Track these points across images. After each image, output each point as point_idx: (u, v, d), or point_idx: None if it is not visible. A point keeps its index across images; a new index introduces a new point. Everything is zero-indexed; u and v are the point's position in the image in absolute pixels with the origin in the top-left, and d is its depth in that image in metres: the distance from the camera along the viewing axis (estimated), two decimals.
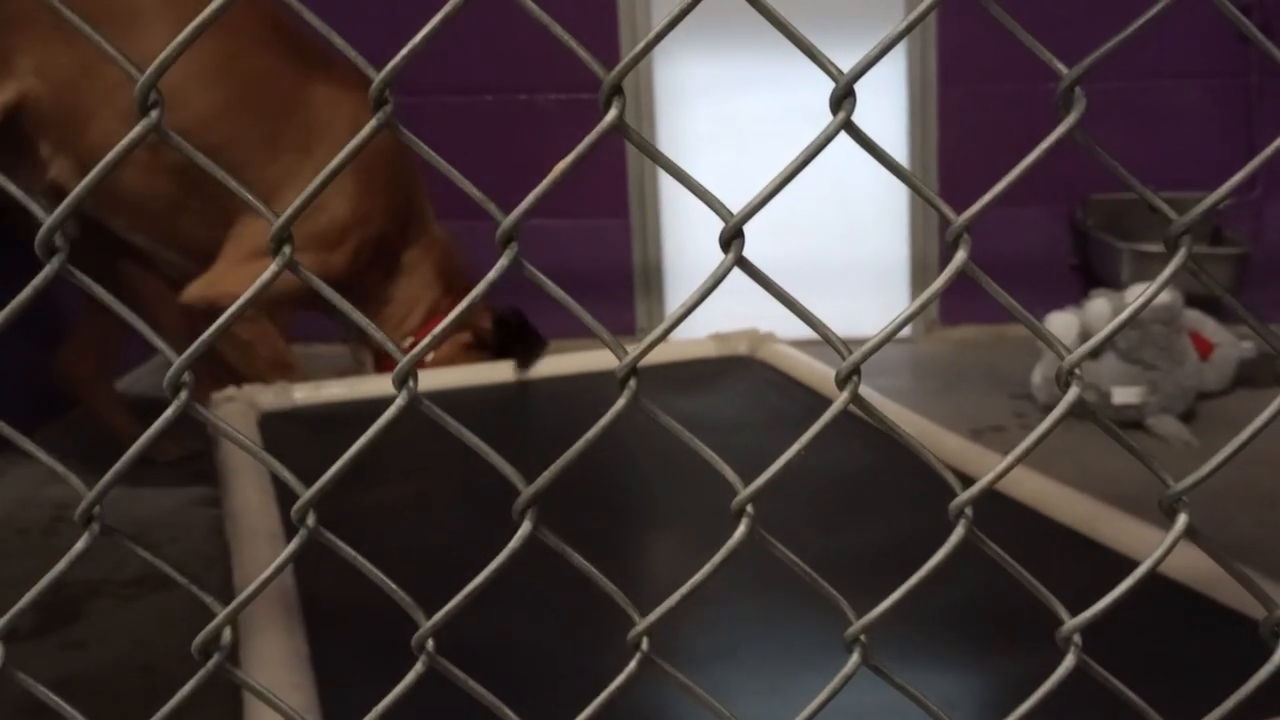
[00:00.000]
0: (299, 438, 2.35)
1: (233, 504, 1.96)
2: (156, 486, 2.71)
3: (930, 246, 3.79)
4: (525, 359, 2.73)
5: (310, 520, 0.66)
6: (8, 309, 0.64)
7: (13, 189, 0.64)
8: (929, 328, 3.83)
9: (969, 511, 0.66)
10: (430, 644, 0.68)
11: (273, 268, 0.62)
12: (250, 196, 0.64)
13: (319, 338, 3.70)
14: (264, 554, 1.74)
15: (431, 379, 2.57)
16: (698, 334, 2.87)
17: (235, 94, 2.54)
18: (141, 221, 2.60)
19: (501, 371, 2.72)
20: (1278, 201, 3.66)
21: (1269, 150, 0.64)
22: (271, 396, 2.52)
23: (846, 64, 0.61)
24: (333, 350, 3.53)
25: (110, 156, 0.61)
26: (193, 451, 2.82)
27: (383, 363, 2.83)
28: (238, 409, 2.44)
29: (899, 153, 3.68)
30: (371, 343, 2.84)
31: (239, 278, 2.49)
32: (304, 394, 2.56)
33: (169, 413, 0.63)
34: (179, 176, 2.50)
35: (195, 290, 2.54)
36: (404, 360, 0.63)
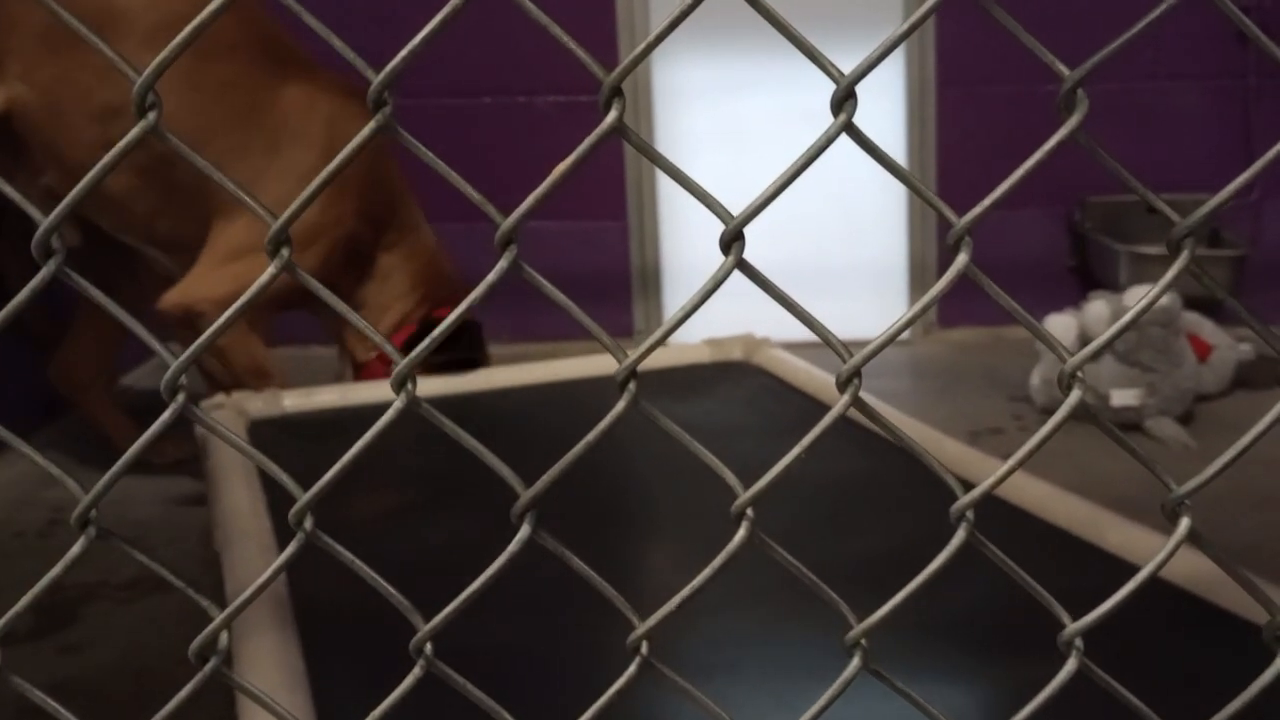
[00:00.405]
0: (289, 445, 2.34)
1: (222, 510, 1.95)
2: (153, 489, 2.71)
3: (929, 249, 3.79)
4: (461, 366, 2.71)
5: (308, 523, 0.65)
6: (5, 310, 0.63)
7: (11, 192, 0.64)
8: (927, 330, 3.83)
9: (970, 515, 0.65)
10: (429, 647, 0.67)
11: (271, 269, 0.62)
12: (248, 199, 0.64)
13: (317, 340, 3.69)
14: (255, 560, 1.73)
15: (430, 385, 2.57)
16: (693, 336, 2.86)
17: (203, 98, 2.55)
18: (125, 221, 2.62)
19: (499, 377, 2.71)
20: (1275, 204, 3.66)
21: (1271, 153, 0.63)
22: (261, 403, 2.51)
23: (846, 66, 0.61)
24: (330, 352, 3.52)
25: (108, 158, 0.61)
26: (190, 454, 2.81)
27: (361, 372, 2.81)
28: (226, 416, 2.44)
29: (897, 155, 3.68)
30: (349, 353, 2.83)
31: (212, 283, 2.50)
32: (294, 401, 2.55)
33: (166, 415, 0.63)
34: (153, 179, 2.52)
35: (171, 297, 2.54)
36: (403, 363, 0.63)
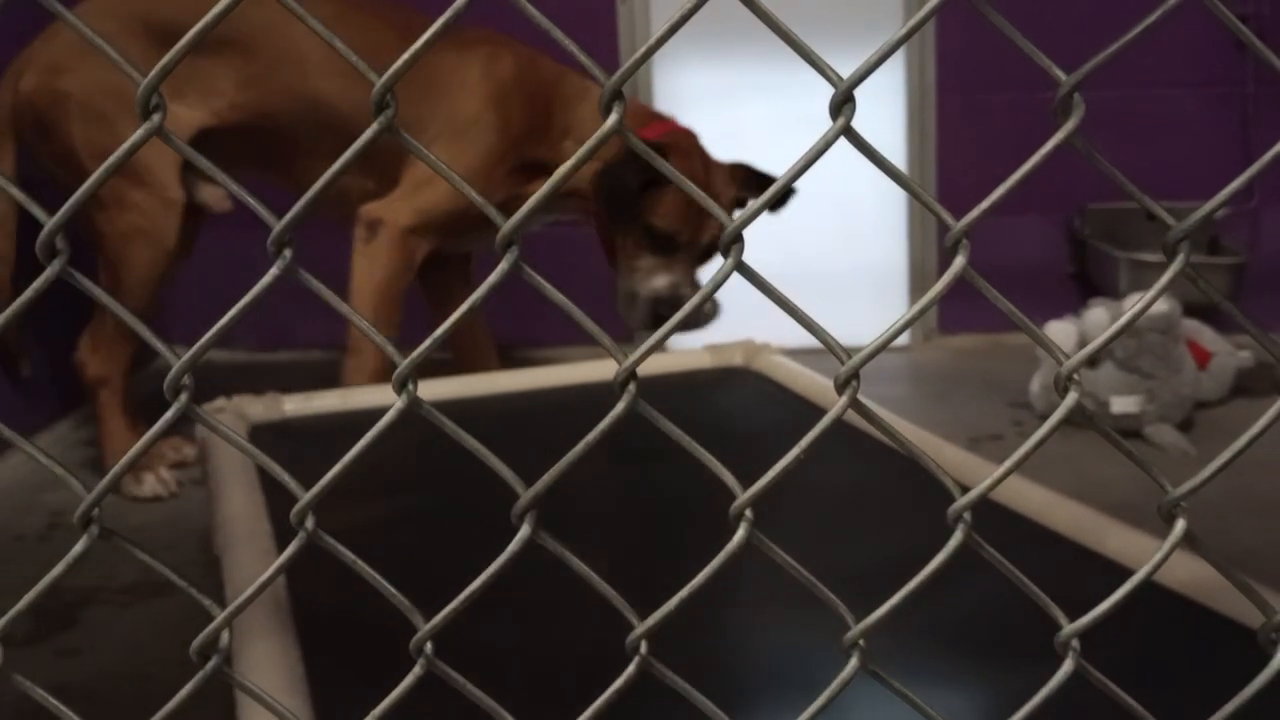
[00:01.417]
0: (290, 450, 2.34)
1: (223, 513, 1.95)
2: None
3: (929, 253, 3.79)
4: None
5: (309, 523, 0.66)
6: (8, 311, 0.64)
7: (14, 191, 0.64)
8: (927, 336, 3.83)
9: (967, 516, 0.66)
10: (429, 647, 0.68)
11: (273, 270, 0.62)
12: (252, 201, 0.64)
13: (317, 344, 3.70)
14: (256, 563, 1.73)
15: (431, 388, 2.57)
16: (692, 342, 2.87)
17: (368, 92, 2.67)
18: (342, 213, 2.78)
19: (500, 381, 2.71)
20: (1274, 210, 3.67)
21: (1268, 156, 0.64)
22: (261, 408, 2.51)
23: (845, 70, 0.61)
24: (329, 356, 3.52)
25: (112, 159, 0.62)
26: (189, 457, 2.82)
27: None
28: (227, 420, 2.44)
29: (897, 160, 3.68)
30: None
31: (401, 207, 2.70)
32: (294, 405, 2.55)
33: (168, 415, 0.63)
34: (370, 169, 2.74)
35: (368, 209, 2.73)
36: (403, 365, 0.64)
